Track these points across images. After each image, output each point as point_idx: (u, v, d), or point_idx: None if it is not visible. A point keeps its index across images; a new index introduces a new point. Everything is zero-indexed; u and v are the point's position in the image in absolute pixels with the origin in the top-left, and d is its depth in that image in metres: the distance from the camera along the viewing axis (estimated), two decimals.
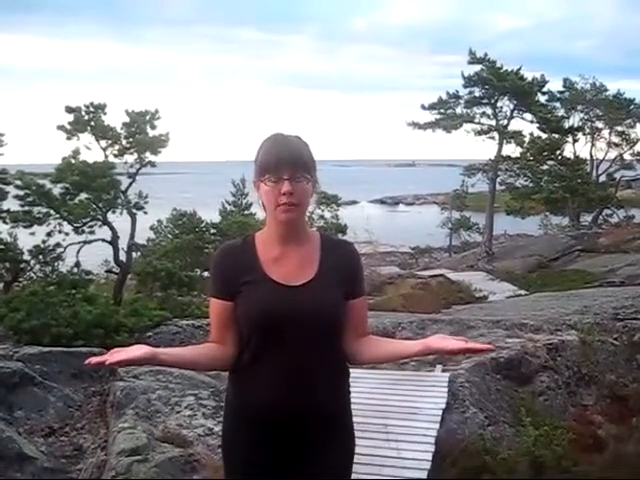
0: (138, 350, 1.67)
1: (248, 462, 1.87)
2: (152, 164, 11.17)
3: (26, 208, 10.02)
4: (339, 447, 1.92)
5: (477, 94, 24.86)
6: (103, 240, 10.88)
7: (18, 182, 9.92)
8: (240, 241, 1.91)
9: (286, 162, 1.76)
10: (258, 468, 1.86)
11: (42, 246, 10.19)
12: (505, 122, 25.04)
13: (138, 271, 11.04)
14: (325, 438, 1.87)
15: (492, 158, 24.91)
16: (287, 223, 1.81)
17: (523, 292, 14.57)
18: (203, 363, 1.89)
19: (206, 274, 14.60)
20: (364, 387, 4.97)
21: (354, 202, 45.67)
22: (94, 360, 1.63)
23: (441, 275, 18.09)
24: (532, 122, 25.06)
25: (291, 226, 1.83)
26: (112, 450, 3.73)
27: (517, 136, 24.93)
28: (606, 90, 28.66)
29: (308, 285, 1.82)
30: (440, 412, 4.63)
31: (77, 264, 10.52)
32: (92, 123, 10.67)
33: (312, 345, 1.80)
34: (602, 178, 29.57)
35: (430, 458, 3.90)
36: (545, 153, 25.06)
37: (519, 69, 24.52)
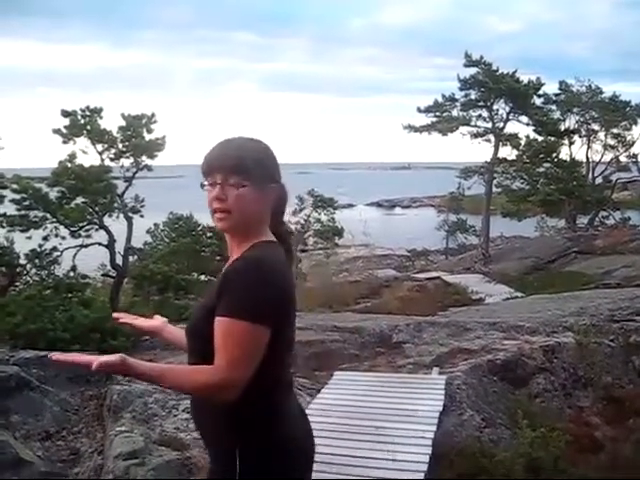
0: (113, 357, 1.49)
1: None
2: (148, 168, 11.19)
3: (23, 212, 10.02)
4: None
5: (473, 97, 24.95)
6: (99, 244, 10.89)
7: (15, 186, 9.93)
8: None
9: (217, 166, 1.68)
10: None
11: (38, 250, 10.20)
12: (501, 125, 25.12)
13: (135, 275, 11.06)
14: None
15: (488, 161, 24.97)
16: (221, 231, 1.74)
17: (519, 294, 14.58)
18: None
19: (203, 277, 14.58)
20: (361, 390, 4.97)
21: (351, 205, 45.68)
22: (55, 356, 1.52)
23: (438, 278, 18.12)
24: (528, 125, 25.14)
25: (230, 235, 1.74)
26: (109, 454, 3.73)
27: (513, 139, 24.99)
28: (602, 92, 28.77)
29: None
30: (437, 414, 4.63)
31: (73, 268, 10.52)
32: (88, 127, 10.68)
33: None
34: (598, 180, 29.66)
35: (427, 460, 3.90)
36: (541, 155, 25.12)
37: (515, 72, 24.61)
